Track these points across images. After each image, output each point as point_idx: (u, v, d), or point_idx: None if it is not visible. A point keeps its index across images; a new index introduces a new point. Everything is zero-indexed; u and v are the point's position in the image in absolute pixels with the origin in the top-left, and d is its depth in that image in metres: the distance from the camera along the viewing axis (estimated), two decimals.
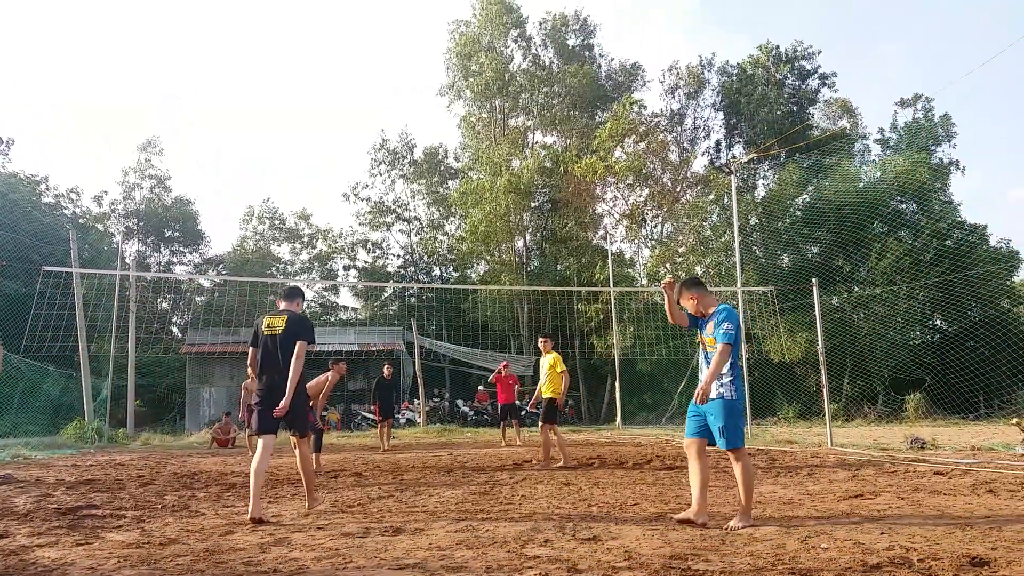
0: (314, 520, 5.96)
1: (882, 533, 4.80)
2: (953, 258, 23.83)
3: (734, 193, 19.29)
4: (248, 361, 6.60)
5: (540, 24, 36.57)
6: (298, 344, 6.27)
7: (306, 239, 44.44)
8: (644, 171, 31.17)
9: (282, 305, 6.65)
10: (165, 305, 40.71)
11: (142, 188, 41.49)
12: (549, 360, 10.89)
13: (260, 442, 6.29)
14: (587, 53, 37.12)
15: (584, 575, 3.87)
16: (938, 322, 27.27)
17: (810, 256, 28.04)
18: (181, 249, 43.37)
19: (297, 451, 6.60)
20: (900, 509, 5.89)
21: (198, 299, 41.93)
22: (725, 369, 5.46)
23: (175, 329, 39.57)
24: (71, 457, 14.55)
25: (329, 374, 11.28)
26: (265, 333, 6.44)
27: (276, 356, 6.33)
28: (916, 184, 26.60)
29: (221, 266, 43.44)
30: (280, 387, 6.24)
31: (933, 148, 31.53)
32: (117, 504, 7.11)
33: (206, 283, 42.14)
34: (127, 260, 35.67)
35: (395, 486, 8.33)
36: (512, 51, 35.91)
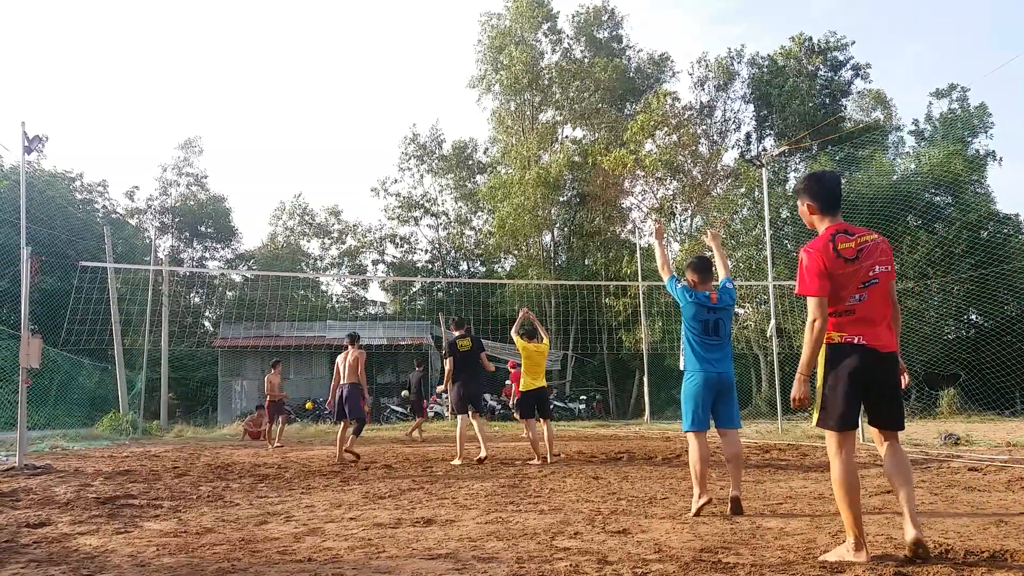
0: (346, 511, 6.04)
1: None
2: (987, 250, 23.39)
3: (765, 186, 19.11)
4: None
5: (573, 17, 36.47)
6: (481, 355, 10.37)
7: (336, 235, 44.72)
8: (674, 164, 30.97)
9: (458, 332, 10.34)
10: (197, 300, 41.22)
11: (179, 185, 42.07)
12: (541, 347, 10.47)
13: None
14: (615, 45, 36.91)
15: (614, 567, 3.88)
16: (973, 317, 26.79)
17: None
18: (214, 245, 43.85)
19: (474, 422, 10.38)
20: (933, 505, 5.83)
21: (229, 294, 42.39)
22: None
23: (207, 323, 40.05)
24: (107, 448, 14.85)
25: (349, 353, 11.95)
26: (461, 350, 10.20)
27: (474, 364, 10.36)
28: (951, 176, 26.15)
29: (252, 261, 43.91)
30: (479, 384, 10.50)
31: (969, 139, 30.95)
32: (154, 494, 7.26)
33: (237, 278, 42.61)
34: (160, 255, 36.23)
35: (425, 478, 8.41)
36: (543, 45, 35.84)
